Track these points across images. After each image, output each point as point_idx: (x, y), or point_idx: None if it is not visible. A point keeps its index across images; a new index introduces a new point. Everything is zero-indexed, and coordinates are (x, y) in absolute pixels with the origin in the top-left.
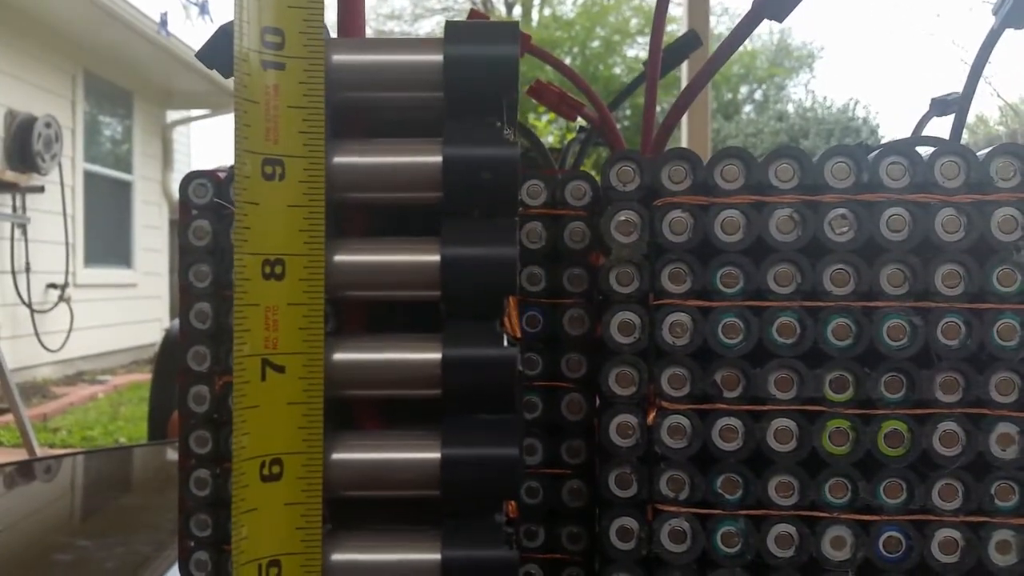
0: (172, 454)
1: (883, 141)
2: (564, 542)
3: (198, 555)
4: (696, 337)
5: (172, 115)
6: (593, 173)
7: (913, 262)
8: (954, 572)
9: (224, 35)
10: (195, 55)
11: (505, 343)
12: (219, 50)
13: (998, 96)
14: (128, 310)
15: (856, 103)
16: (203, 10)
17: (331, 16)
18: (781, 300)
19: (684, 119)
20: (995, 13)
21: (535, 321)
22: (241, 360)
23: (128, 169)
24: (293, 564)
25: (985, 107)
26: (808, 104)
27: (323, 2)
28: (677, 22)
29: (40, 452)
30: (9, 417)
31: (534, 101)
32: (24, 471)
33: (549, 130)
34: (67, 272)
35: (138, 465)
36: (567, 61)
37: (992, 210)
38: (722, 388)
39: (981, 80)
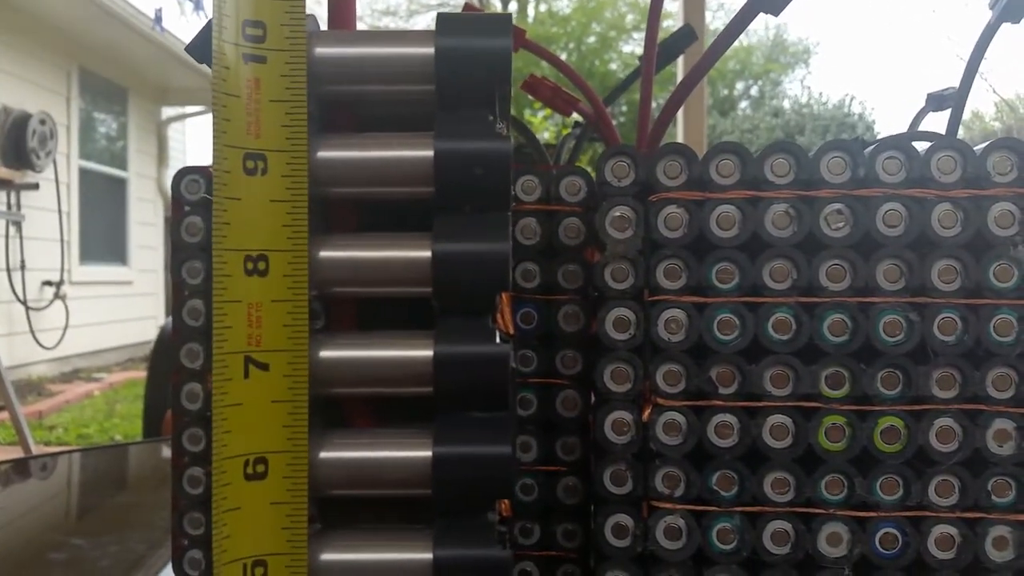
0: (167, 452)
1: (879, 137)
2: (559, 539)
3: (192, 553)
4: (691, 333)
5: (167, 112)
6: (588, 169)
7: (909, 257)
8: (951, 568)
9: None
10: (185, 49)
11: (498, 340)
12: (209, 45)
13: (994, 92)
14: (123, 307)
15: (852, 99)
16: (197, 6)
17: (323, 10)
18: (777, 296)
19: (680, 115)
20: (992, 7)
21: (530, 317)
22: (222, 357)
23: (123, 166)
24: (279, 564)
25: (981, 103)
26: (804, 100)
27: None
28: (672, 17)
29: (36, 450)
30: (5, 415)
31: (529, 96)
32: (20, 469)
33: (545, 126)
34: (62, 269)
35: (133, 463)
36: (563, 57)
37: (989, 205)
38: (717, 384)
39: (977, 75)
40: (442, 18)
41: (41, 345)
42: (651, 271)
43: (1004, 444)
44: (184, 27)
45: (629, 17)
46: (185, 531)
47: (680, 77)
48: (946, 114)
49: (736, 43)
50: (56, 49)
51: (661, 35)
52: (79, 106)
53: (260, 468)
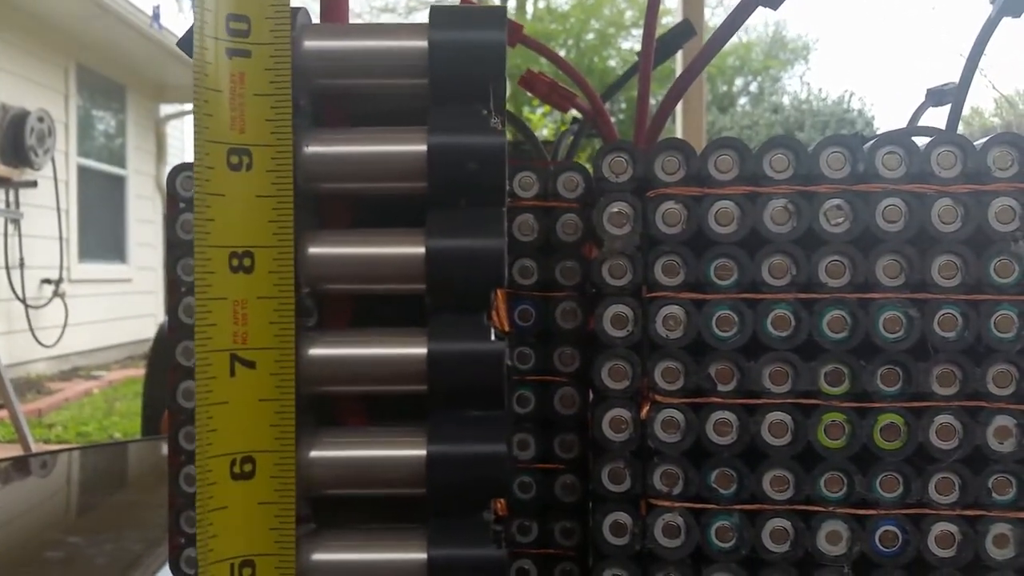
0: (166, 449)
1: (879, 132)
2: (557, 537)
3: (188, 552)
4: (690, 330)
5: (166, 109)
6: (587, 165)
7: (909, 253)
8: (951, 566)
9: None
10: (177, 44)
11: (493, 337)
12: None
13: (993, 88)
14: (123, 305)
15: (851, 95)
16: (195, 2)
17: (316, 4)
18: (776, 292)
19: (679, 111)
20: (992, 1)
21: (527, 315)
22: (206, 355)
23: (122, 164)
24: (267, 565)
25: (980, 99)
26: (803, 96)
27: None
28: (672, 14)
29: (35, 448)
30: (4, 413)
31: (528, 93)
32: (20, 466)
33: (543, 123)
34: (61, 267)
35: (132, 461)
36: (561, 54)
37: (989, 200)
38: (716, 382)
39: (977, 71)
40: (435, 11)
41: (40, 343)
42: (649, 267)
43: (1005, 441)
44: (182, 24)
45: (628, 13)
46: (182, 529)
47: (679, 73)
48: (946, 109)
49: (735, 39)
50: (54, 46)
51: (660, 31)
52: (77, 104)
53: (247, 467)
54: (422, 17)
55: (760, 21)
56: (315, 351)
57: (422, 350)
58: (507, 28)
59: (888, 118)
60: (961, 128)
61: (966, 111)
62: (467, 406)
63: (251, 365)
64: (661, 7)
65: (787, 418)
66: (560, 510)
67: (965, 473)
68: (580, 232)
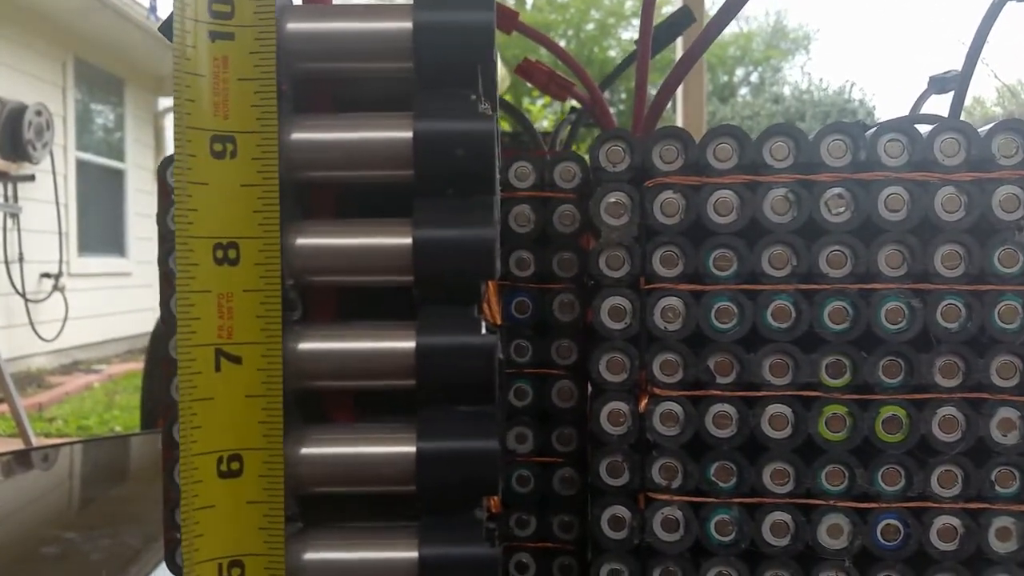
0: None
1: (880, 121)
2: (556, 531)
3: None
4: (688, 322)
5: (164, 102)
6: (584, 155)
7: (912, 243)
8: (953, 560)
9: None
10: (159, 29)
11: (484, 330)
12: None
13: (996, 77)
14: (123, 299)
15: (852, 85)
16: None
17: None
18: (776, 283)
19: (679, 101)
20: None
21: (524, 307)
22: (189, 350)
23: (121, 157)
24: (257, 565)
25: (982, 88)
26: (804, 86)
27: None
28: (672, 3)
29: (35, 441)
30: (4, 407)
31: (527, 84)
32: (20, 461)
33: (544, 114)
34: (61, 261)
35: (133, 454)
36: (561, 44)
37: (993, 188)
38: (715, 374)
39: (980, 58)
40: None
41: (40, 337)
42: (647, 258)
43: (1008, 433)
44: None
45: (628, 3)
46: (177, 524)
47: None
48: (948, 98)
49: (736, 29)
50: (51, 39)
51: (659, 19)
52: (75, 97)
53: (235, 466)
54: None
55: (761, 11)
56: (302, 345)
57: (411, 344)
58: (498, 12)
59: (889, 108)
60: (963, 117)
61: (968, 101)
62: (458, 401)
63: (237, 360)
64: None
65: (787, 410)
66: (558, 504)
67: (968, 466)
68: (577, 223)
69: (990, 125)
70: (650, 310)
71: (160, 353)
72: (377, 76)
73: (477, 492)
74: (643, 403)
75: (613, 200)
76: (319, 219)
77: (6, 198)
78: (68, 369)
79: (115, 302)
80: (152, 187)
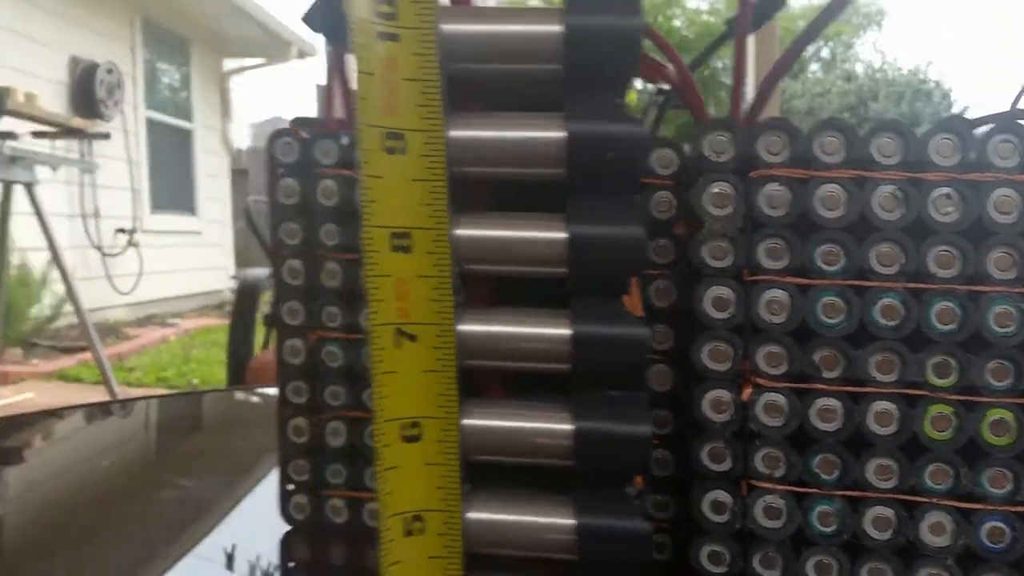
0: (252, 398)
1: (955, 107)
2: (651, 509)
3: (297, 499)
4: (794, 315)
5: (228, 64)
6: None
7: (1022, 246)
8: None
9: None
10: (301, 18)
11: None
12: (325, 14)
13: None
14: (194, 256)
15: (929, 65)
16: None
17: None
18: (884, 280)
19: (750, 78)
20: None
21: None
22: (375, 328)
23: (188, 117)
24: (436, 520)
25: None
26: (877, 64)
27: None
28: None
29: (119, 391)
30: (87, 355)
31: None
32: (109, 410)
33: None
34: (134, 217)
35: (227, 407)
36: None
37: None
38: (821, 368)
39: None
40: None
41: (117, 290)
42: (751, 250)
43: None
44: None
45: None
46: (291, 477)
47: (752, 45)
48: None
49: (806, 2)
50: None
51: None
52: (143, 56)
53: (415, 432)
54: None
55: None
56: (466, 327)
57: (567, 331)
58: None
59: (965, 91)
60: None
61: None
62: (609, 386)
63: (413, 339)
64: None
65: (893, 408)
66: (653, 483)
67: None
68: (674, 209)
69: None
70: (754, 302)
71: (245, 313)
72: (523, 78)
73: (630, 470)
74: (746, 393)
75: (717, 190)
76: (478, 212)
77: (82, 155)
78: (143, 322)
79: (187, 259)
80: (219, 148)
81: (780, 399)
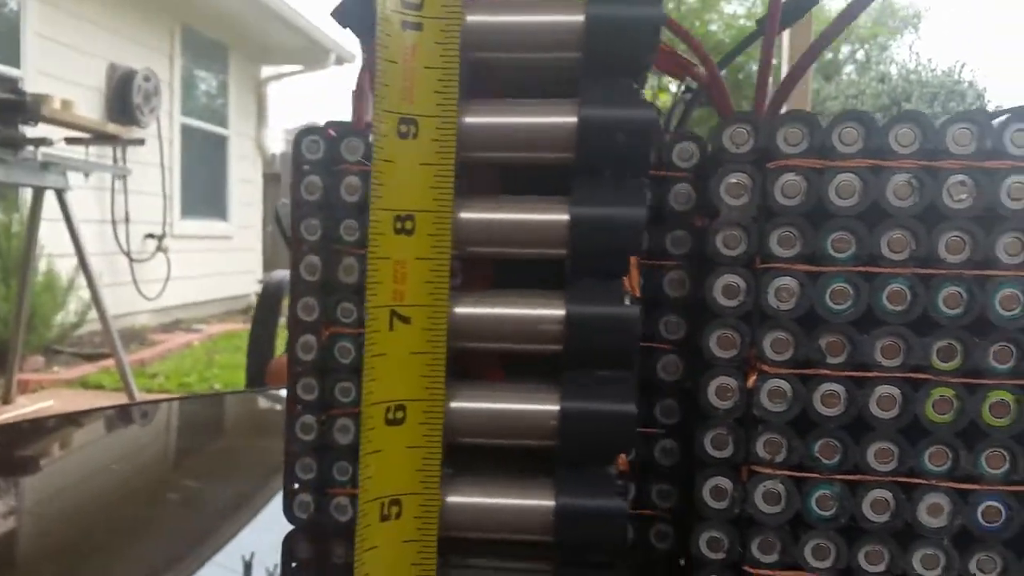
0: (269, 402)
1: (989, 106)
2: (654, 498)
3: (302, 497)
4: (803, 301)
5: (266, 71)
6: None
7: None
8: None
9: None
10: (329, 14)
11: (628, 302)
12: (354, 10)
13: None
14: (223, 261)
15: (963, 66)
16: None
17: None
18: (894, 267)
19: (783, 79)
20: None
21: None
22: (371, 311)
23: (223, 123)
24: (413, 503)
25: None
26: (912, 66)
27: None
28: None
29: (139, 397)
30: (110, 362)
31: None
32: (127, 415)
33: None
34: (164, 223)
35: (242, 410)
36: None
37: None
38: (826, 353)
39: None
40: None
41: (143, 296)
42: (764, 238)
43: None
44: None
45: None
46: (297, 476)
47: (786, 42)
48: None
49: (842, 4)
50: (159, 6)
51: None
52: (181, 64)
53: (399, 414)
54: None
55: None
56: (462, 310)
57: (561, 312)
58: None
59: (1002, 92)
60: None
61: None
62: (599, 366)
63: (407, 320)
64: None
65: (896, 392)
66: (658, 473)
67: None
68: (692, 202)
69: None
70: (764, 289)
71: (267, 315)
72: (544, 65)
73: (613, 449)
74: (751, 379)
75: (734, 180)
76: (483, 195)
77: (115, 160)
78: (169, 328)
79: (215, 264)
80: (253, 154)
81: (784, 385)
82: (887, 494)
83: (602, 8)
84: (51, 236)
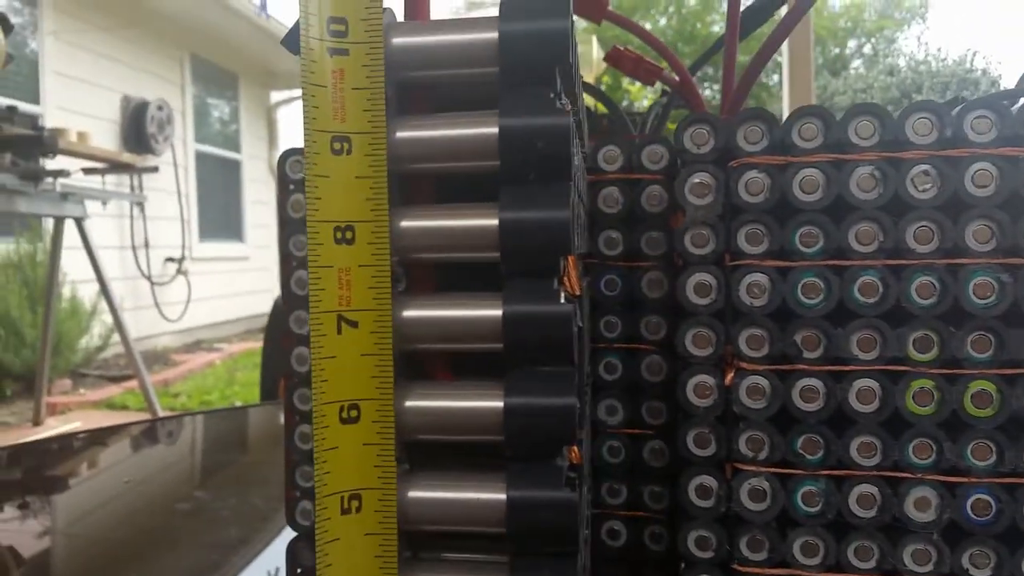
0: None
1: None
2: (646, 500)
3: (303, 504)
4: (774, 297)
5: (275, 96)
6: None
7: (1001, 218)
8: None
9: None
10: (280, 42)
11: (562, 300)
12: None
13: None
14: (241, 281)
15: (975, 54)
16: (262, 7)
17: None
18: (863, 259)
19: (785, 78)
20: None
21: (613, 284)
22: (318, 316)
23: (236, 148)
24: (372, 498)
25: None
26: (921, 57)
27: None
28: None
29: (161, 415)
30: (134, 383)
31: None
32: (151, 432)
33: (644, 93)
34: (183, 246)
35: (254, 424)
36: (663, 20)
37: None
38: (802, 349)
39: None
40: (505, 3)
41: (165, 318)
42: (732, 236)
43: None
44: (289, 12)
45: None
46: (297, 484)
47: (785, 46)
48: None
49: (849, 1)
50: (169, 38)
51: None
52: (192, 92)
53: (353, 413)
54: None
55: None
56: (407, 313)
57: (498, 312)
58: (587, 3)
59: (1018, 77)
60: None
61: None
62: (540, 363)
63: (354, 324)
64: None
65: (875, 385)
66: (649, 474)
67: None
68: (665, 203)
69: None
70: (735, 286)
71: (277, 331)
72: (469, 80)
73: (557, 443)
74: (729, 376)
75: (697, 180)
76: (419, 205)
77: (132, 188)
78: (191, 348)
79: (234, 284)
80: (266, 176)
81: (762, 381)
82: (873, 489)
83: (512, 25)
84: (74, 263)
